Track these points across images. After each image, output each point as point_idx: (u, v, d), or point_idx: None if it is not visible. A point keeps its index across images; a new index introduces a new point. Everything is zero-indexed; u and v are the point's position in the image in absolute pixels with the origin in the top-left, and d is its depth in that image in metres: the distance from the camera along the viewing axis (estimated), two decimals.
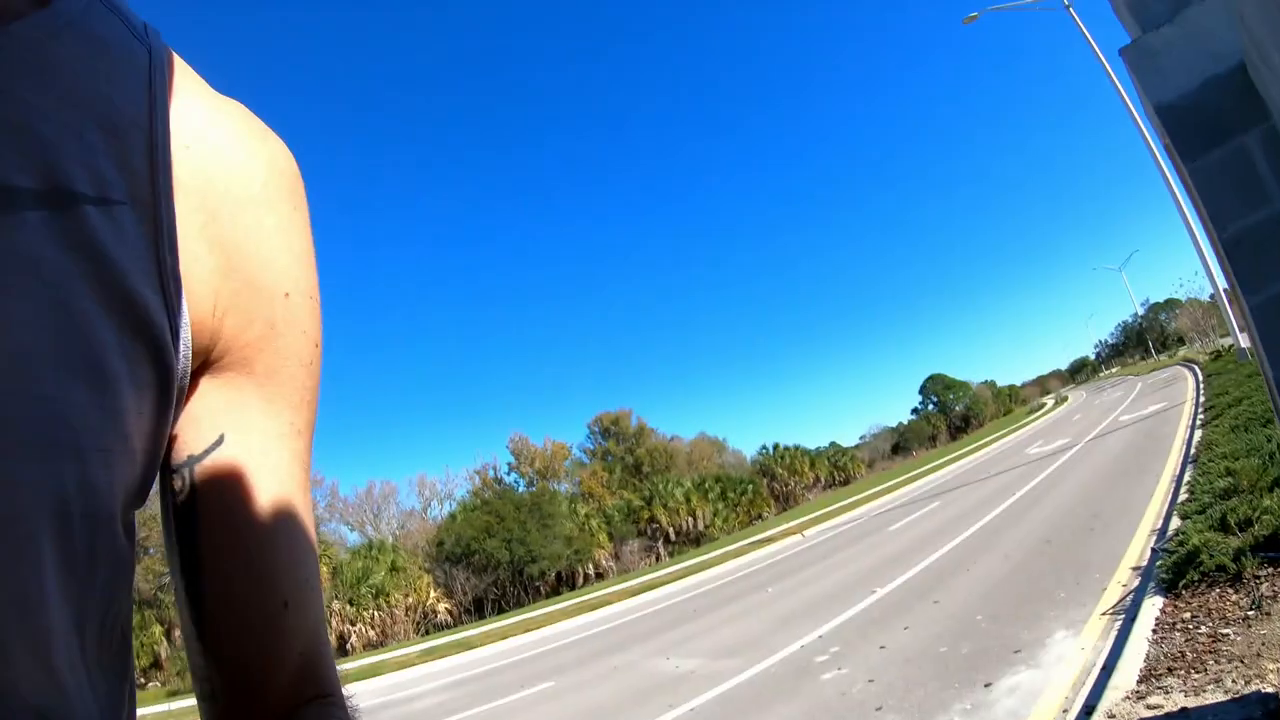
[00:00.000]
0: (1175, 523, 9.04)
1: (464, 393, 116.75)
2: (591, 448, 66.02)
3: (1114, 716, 4.75)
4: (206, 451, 0.60)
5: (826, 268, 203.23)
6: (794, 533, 30.50)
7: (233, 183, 0.62)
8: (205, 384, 0.61)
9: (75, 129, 0.49)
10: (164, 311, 0.53)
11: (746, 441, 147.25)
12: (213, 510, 0.60)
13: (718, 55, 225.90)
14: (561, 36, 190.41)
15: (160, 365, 0.53)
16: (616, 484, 58.42)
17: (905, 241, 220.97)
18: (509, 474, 57.14)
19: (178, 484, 0.60)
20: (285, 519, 0.63)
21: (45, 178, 0.47)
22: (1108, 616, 7.40)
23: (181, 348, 0.56)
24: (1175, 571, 7.13)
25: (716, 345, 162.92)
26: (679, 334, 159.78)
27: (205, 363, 0.61)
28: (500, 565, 43.52)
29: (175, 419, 0.58)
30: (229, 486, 0.60)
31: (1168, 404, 28.22)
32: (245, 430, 0.61)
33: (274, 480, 0.63)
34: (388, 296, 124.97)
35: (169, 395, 0.55)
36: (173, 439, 0.60)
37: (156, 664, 36.87)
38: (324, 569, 38.01)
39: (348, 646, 36.17)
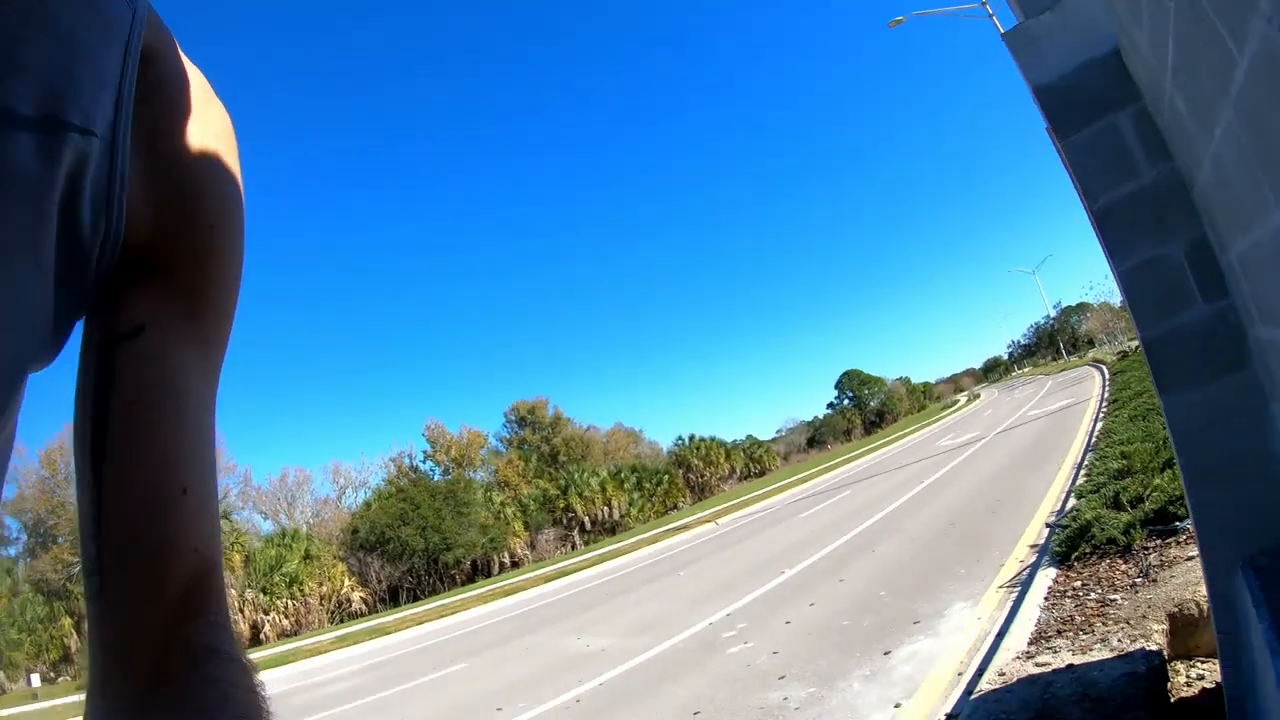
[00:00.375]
0: (1072, 503, 9.32)
1: (381, 380, 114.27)
2: (508, 436, 65.44)
3: (1004, 674, 4.87)
4: (127, 337, 0.66)
5: (743, 263, 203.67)
6: (708, 521, 30.75)
7: (179, 131, 0.72)
8: (135, 286, 0.68)
9: (67, 71, 0.57)
10: (101, 230, 0.62)
11: (663, 433, 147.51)
12: (126, 390, 0.65)
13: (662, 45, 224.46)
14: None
15: (82, 269, 0.61)
16: (532, 473, 58.09)
17: (823, 239, 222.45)
18: (424, 462, 56.51)
19: (99, 362, 0.66)
20: (190, 412, 0.68)
21: (41, 106, 0.55)
22: (1004, 589, 7.60)
23: (106, 260, 0.63)
24: (1068, 545, 7.35)
25: (635, 336, 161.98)
26: (598, 324, 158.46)
27: (138, 270, 0.68)
28: (415, 553, 43.02)
29: (102, 311, 0.66)
30: (143, 371, 0.66)
31: (1074, 400, 29.14)
32: (164, 328, 0.68)
33: (184, 376, 0.68)
34: (301, 283, 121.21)
35: (84, 293, 0.63)
36: (102, 324, 0.67)
37: (66, 658, 35.63)
38: (237, 557, 37.24)
39: (261, 635, 35.53)
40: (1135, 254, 3.26)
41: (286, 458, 72.09)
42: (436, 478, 53.02)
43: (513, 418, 66.41)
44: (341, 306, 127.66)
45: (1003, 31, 3.58)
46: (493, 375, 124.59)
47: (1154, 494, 7.42)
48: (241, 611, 35.64)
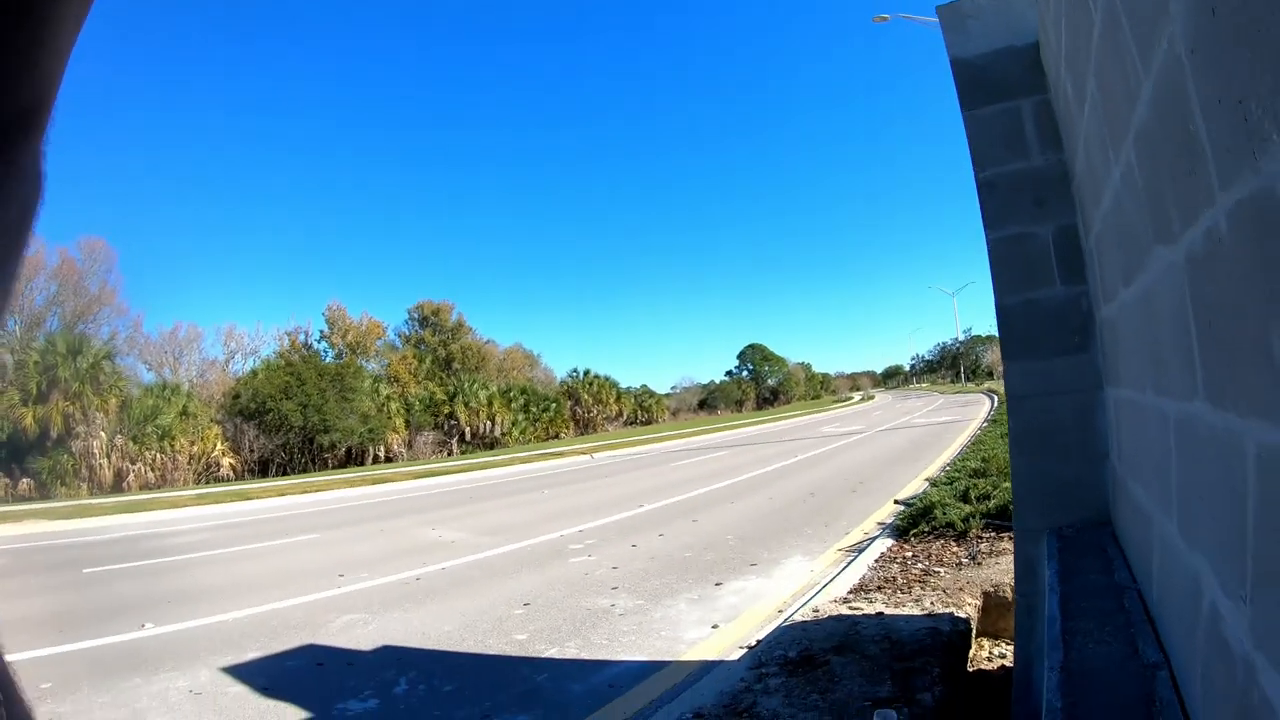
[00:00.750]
0: (926, 489, 9.71)
1: (294, 250, 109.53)
2: (407, 333, 64.27)
3: (818, 610, 5.10)
4: None
5: (666, 220, 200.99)
6: (583, 453, 30.99)
7: None
8: None
9: None
10: None
11: (560, 362, 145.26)
12: None
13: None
14: None
15: None
16: (424, 374, 57.41)
17: (750, 208, 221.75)
18: (320, 342, 55.32)
19: None
20: None
21: None
22: (843, 552, 7.92)
23: None
24: (910, 521, 7.72)
25: (551, 261, 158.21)
26: (519, 238, 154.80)
27: None
28: (292, 429, 42.27)
29: None
30: None
31: (960, 419, 30.08)
32: None
33: None
34: (225, 139, 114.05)
35: None
36: None
37: None
38: (113, 401, 36.00)
39: (124, 484, 34.56)
40: (1008, 226, 3.50)
41: (182, 311, 68.97)
42: (329, 359, 52.11)
43: (415, 316, 65.40)
44: (272, 166, 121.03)
45: (938, 5, 3.74)
46: (406, 271, 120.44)
47: (1000, 494, 7.80)
48: (108, 456, 34.70)
